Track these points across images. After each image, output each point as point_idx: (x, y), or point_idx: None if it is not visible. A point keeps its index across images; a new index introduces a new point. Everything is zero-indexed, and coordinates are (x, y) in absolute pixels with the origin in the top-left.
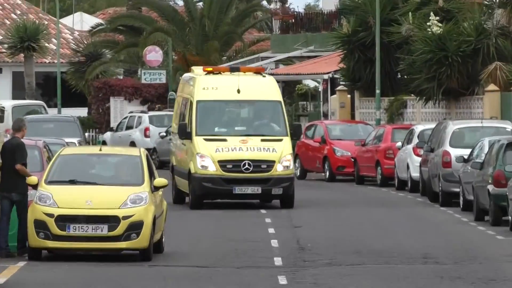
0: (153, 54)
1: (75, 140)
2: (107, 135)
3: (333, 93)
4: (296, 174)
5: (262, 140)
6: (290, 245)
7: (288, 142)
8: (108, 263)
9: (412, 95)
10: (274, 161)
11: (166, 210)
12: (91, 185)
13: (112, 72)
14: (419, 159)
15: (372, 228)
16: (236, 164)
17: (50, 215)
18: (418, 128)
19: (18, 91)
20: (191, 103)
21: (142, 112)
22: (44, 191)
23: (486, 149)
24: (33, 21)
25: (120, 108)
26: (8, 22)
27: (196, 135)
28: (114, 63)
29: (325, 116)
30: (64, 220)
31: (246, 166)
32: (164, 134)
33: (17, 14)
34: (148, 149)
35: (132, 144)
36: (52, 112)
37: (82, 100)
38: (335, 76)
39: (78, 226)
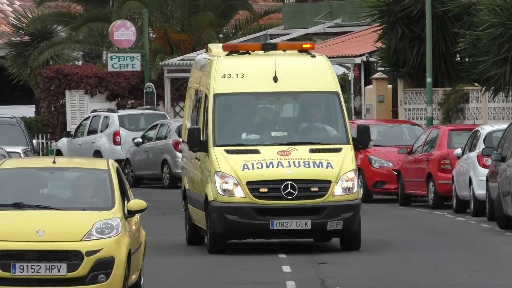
0: (123, 31)
1: (19, 149)
2: (63, 142)
3: (368, 82)
4: None
5: (312, 151)
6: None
7: (350, 152)
8: None
9: (476, 84)
10: (329, 181)
11: (145, 243)
12: (42, 210)
13: (68, 56)
14: (486, 171)
15: (423, 267)
16: (273, 187)
17: None
18: (485, 130)
19: None
20: (207, 98)
21: (110, 110)
22: None
23: None
24: None
25: (79, 106)
26: None
27: (214, 145)
28: (70, 44)
29: (357, 113)
30: (7, 258)
31: (289, 189)
32: (140, 140)
33: None
34: (118, 161)
35: (97, 154)
36: None
37: (27, 94)
38: (371, 59)
39: (27, 265)
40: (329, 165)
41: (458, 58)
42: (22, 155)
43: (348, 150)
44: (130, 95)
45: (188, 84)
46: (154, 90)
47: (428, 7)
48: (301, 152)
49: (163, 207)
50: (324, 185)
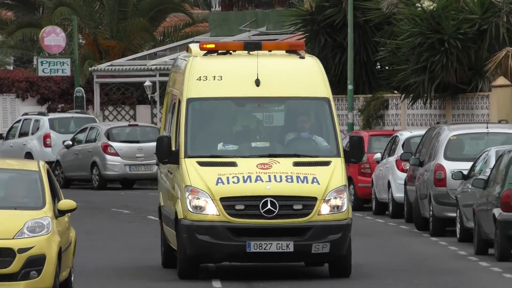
0: (53, 37)
1: None
2: None
3: None
4: None
5: (296, 164)
6: None
7: (341, 166)
8: None
9: (396, 92)
10: (315, 199)
11: (75, 241)
12: None
13: (1, 61)
14: (404, 175)
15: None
16: (251, 204)
17: None
18: (403, 135)
19: None
20: (180, 103)
21: (41, 114)
22: None
23: (492, 162)
24: None
25: (10, 109)
26: None
27: (186, 156)
28: (2, 49)
29: None
30: None
31: (269, 207)
32: (70, 142)
33: None
34: (49, 163)
35: (28, 155)
36: None
37: None
38: None
39: None
40: (315, 180)
41: (379, 66)
42: None
43: (338, 163)
44: (60, 99)
45: (166, 88)
46: (84, 95)
47: (349, 16)
48: (284, 165)
49: (93, 207)
50: (308, 202)
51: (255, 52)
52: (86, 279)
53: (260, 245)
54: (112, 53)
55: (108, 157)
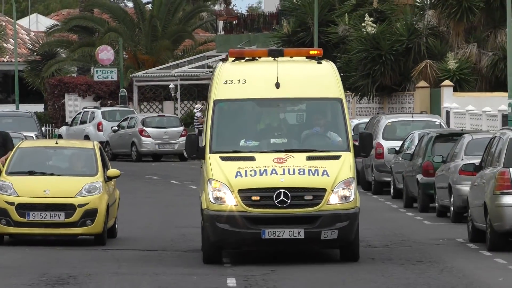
0: (105, 53)
1: (32, 134)
2: (63, 129)
3: None
4: None
5: (309, 158)
6: None
7: (350, 160)
8: (65, 247)
9: (348, 91)
10: (324, 190)
11: (119, 199)
12: (48, 176)
13: (67, 70)
14: None
15: None
16: (266, 195)
17: (11, 203)
18: (353, 122)
19: None
20: (209, 105)
21: (95, 108)
22: (5, 181)
23: (416, 141)
24: None
25: (74, 104)
26: None
27: (211, 151)
28: (69, 61)
29: None
30: (24, 208)
31: (282, 197)
32: (116, 128)
33: None
34: (101, 142)
35: (86, 137)
36: (11, 108)
37: (38, 96)
38: None
39: (37, 214)
40: (325, 172)
41: None
42: (34, 138)
43: (347, 157)
44: (109, 97)
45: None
46: (126, 94)
47: (315, 37)
48: (298, 159)
49: (132, 174)
50: (318, 193)
51: (279, 58)
52: (127, 226)
53: (274, 232)
54: (147, 64)
55: (143, 138)
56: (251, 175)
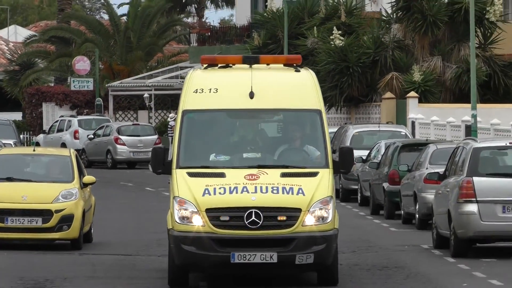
0: (82, 63)
1: (11, 141)
2: (40, 137)
3: None
4: None
5: (284, 175)
6: None
7: (328, 177)
8: (43, 252)
9: None
10: (299, 210)
11: (95, 205)
12: (26, 182)
13: (44, 79)
14: None
15: None
16: (236, 215)
17: None
18: None
19: None
20: (178, 114)
21: (72, 116)
22: None
23: (382, 150)
24: None
25: (51, 113)
26: None
27: (178, 166)
28: (46, 71)
29: None
30: (2, 213)
31: (253, 218)
32: (92, 136)
33: None
34: (77, 150)
35: (63, 145)
36: None
37: (17, 105)
38: None
39: (15, 219)
40: (300, 191)
41: None
42: (12, 145)
43: (325, 174)
44: (85, 106)
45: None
46: (102, 103)
47: (285, 49)
48: (271, 176)
49: (107, 181)
50: (293, 213)
51: (255, 65)
52: (102, 231)
53: (244, 256)
54: (122, 74)
55: (118, 146)
56: (220, 193)
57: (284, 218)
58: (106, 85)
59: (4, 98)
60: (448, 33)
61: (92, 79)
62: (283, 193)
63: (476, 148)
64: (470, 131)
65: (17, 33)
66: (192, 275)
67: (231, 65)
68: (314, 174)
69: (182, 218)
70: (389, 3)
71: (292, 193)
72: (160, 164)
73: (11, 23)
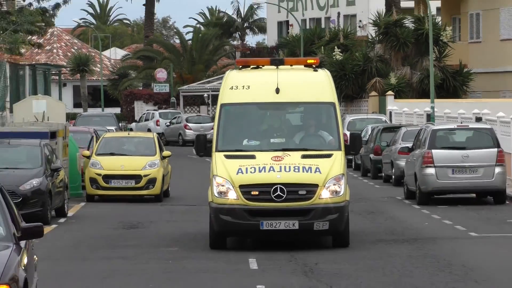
0: (161, 73)
1: (113, 127)
2: (133, 125)
3: None
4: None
5: (304, 157)
6: None
7: (341, 158)
8: (135, 204)
9: None
10: (317, 185)
11: (171, 171)
12: (123, 156)
13: (135, 85)
14: None
15: None
16: (264, 190)
17: (99, 174)
18: None
19: (76, 97)
20: (217, 107)
21: (154, 110)
22: (95, 160)
23: (369, 132)
24: (85, 53)
25: (140, 108)
26: (69, 54)
27: (217, 150)
28: (136, 79)
29: None
30: (107, 177)
31: (278, 192)
32: (169, 123)
33: (75, 49)
34: (158, 133)
35: (149, 130)
36: (98, 110)
37: (116, 103)
38: None
39: (116, 181)
40: (317, 170)
41: None
42: (114, 130)
43: (338, 155)
44: (164, 103)
45: None
46: (175, 101)
47: None
48: (294, 157)
49: (179, 154)
50: (311, 188)
51: (281, 66)
52: (176, 189)
53: (271, 223)
54: (188, 81)
55: (186, 130)
56: (251, 172)
57: (304, 192)
58: (178, 88)
59: (108, 97)
60: (414, 50)
61: (168, 84)
62: (303, 171)
63: (434, 129)
64: (430, 118)
65: (116, 53)
66: (229, 239)
67: (261, 66)
68: (329, 156)
69: (220, 193)
70: (373, 29)
71: (311, 172)
72: (202, 148)
73: (112, 46)
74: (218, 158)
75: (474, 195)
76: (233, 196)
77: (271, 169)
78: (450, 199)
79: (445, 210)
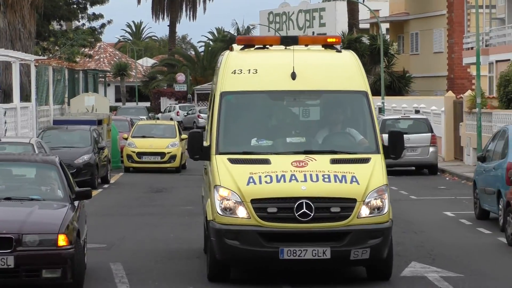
0: (181, 77)
1: (144, 117)
2: (159, 115)
3: None
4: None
5: (334, 161)
6: None
7: (381, 163)
8: (161, 174)
9: None
10: (355, 200)
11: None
12: (152, 138)
13: (161, 85)
14: None
15: None
16: (284, 207)
17: (133, 152)
18: None
19: (117, 94)
20: (214, 97)
21: (175, 104)
22: (130, 141)
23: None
24: (124, 62)
25: (165, 102)
26: (112, 62)
27: (217, 152)
28: (162, 81)
29: None
30: (140, 154)
31: (304, 209)
32: (186, 114)
33: (117, 58)
34: (178, 121)
35: (171, 119)
36: (133, 104)
37: (148, 98)
38: None
39: (147, 156)
40: (354, 179)
41: None
42: (145, 119)
43: (377, 160)
44: (182, 99)
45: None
46: (191, 97)
47: None
48: (321, 162)
49: None
50: (347, 204)
51: (293, 46)
52: (193, 163)
53: (294, 251)
54: (201, 82)
55: (199, 119)
56: (266, 182)
57: (338, 209)
58: (193, 88)
59: (141, 94)
60: (369, 60)
61: (186, 85)
62: (335, 181)
63: (384, 119)
64: (381, 110)
65: (147, 62)
66: (233, 268)
67: (268, 46)
68: (366, 160)
69: (225, 209)
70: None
71: (346, 182)
72: (198, 149)
73: (144, 56)
74: (220, 163)
75: (414, 168)
76: (243, 214)
77: (293, 178)
78: (396, 171)
79: (392, 179)
